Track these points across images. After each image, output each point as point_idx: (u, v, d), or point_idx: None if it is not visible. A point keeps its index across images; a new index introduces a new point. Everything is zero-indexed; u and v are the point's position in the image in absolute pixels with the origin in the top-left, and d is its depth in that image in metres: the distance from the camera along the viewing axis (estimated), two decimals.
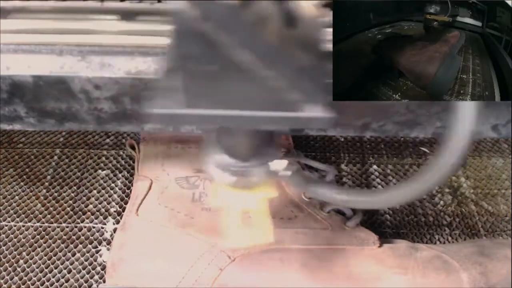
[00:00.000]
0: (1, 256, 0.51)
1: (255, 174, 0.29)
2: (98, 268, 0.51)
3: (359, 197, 0.26)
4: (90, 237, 0.53)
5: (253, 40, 0.19)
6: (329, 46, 0.27)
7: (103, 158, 0.62)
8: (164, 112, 0.21)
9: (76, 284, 0.49)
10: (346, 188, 0.27)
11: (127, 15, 0.29)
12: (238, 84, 0.20)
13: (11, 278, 0.50)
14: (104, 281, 0.49)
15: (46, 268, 0.51)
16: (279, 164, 0.30)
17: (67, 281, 0.50)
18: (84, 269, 0.51)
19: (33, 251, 0.52)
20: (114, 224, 0.55)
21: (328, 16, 0.28)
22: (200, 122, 0.22)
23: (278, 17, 0.20)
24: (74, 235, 0.53)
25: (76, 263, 0.51)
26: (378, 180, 0.61)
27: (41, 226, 0.54)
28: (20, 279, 0.50)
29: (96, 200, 0.57)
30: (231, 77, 0.20)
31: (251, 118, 0.22)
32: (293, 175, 0.30)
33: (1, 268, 0.50)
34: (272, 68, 0.20)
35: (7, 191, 0.58)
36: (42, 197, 0.57)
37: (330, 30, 0.28)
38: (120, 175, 0.60)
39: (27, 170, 0.60)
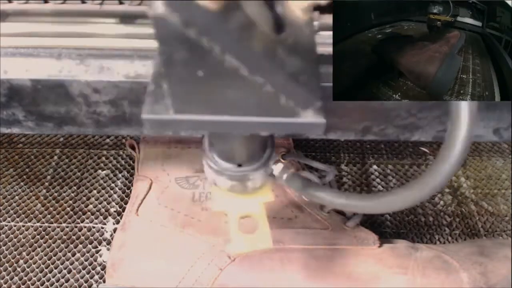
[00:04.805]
0: (1, 256, 0.51)
1: (251, 178, 0.29)
2: (98, 268, 0.51)
3: (358, 202, 0.26)
4: (90, 237, 0.53)
5: (239, 45, 0.18)
6: (323, 50, 0.27)
7: (103, 158, 0.62)
8: (154, 117, 0.21)
9: (76, 284, 0.49)
10: (344, 192, 0.26)
11: (126, 18, 0.29)
12: (227, 89, 0.20)
13: (11, 278, 0.50)
14: (104, 281, 0.49)
15: (46, 268, 0.51)
16: (276, 168, 0.30)
17: (67, 281, 0.50)
18: (84, 269, 0.51)
19: (33, 251, 0.52)
20: (114, 224, 0.55)
21: (319, 20, 0.28)
22: (190, 127, 0.22)
23: (265, 22, 0.19)
24: (74, 235, 0.54)
25: (76, 263, 0.51)
26: (378, 180, 0.60)
27: (41, 226, 0.54)
28: (20, 279, 0.50)
29: (96, 200, 0.57)
30: (219, 83, 0.20)
31: (241, 123, 0.21)
32: (290, 178, 0.30)
33: (1, 268, 0.50)
34: (260, 74, 0.19)
35: (7, 191, 0.58)
36: (42, 197, 0.57)
37: (323, 33, 0.28)
38: (120, 175, 0.60)
39: (27, 170, 0.60)
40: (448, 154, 0.20)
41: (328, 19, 0.28)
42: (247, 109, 0.21)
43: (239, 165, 0.28)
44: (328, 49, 0.27)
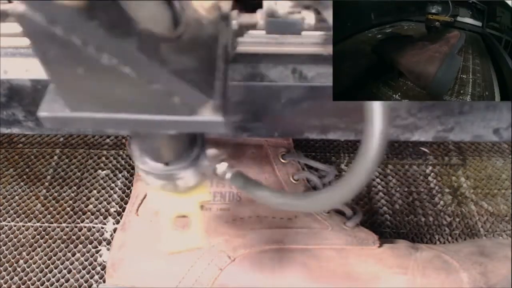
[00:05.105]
0: (1, 256, 0.51)
1: (180, 177, 0.28)
2: (98, 268, 0.51)
3: (293, 201, 0.26)
4: (90, 237, 0.53)
5: (112, 43, 0.18)
6: (322, 50, 0.26)
7: (103, 158, 0.62)
8: (51, 115, 0.21)
9: (76, 284, 0.49)
10: (282, 192, 0.26)
11: None
12: (114, 87, 0.20)
13: (11, 278, 0.50)
14: (104, 281, 0.49)
15: (46, 268, 0.51)
16: (219, 167, 0.29)
17: (67, 281, 0.50)
18: (84, 269, 0.51)
19: (33, 251, 0.52)
20: (114, 224, 0.55)
21: (238, 19, 0.27)
22: (87, 125, 0.21)
23: (159, 21, 0.19)
24: (74, 235, 0.54)
25: (76, 263, 0.51)
26: (378, 180, 0.60)
27: (41, 226, 0.54)
28: (20, 279, 0.50)
29: (96, 200, 0.57)
30: (103, 80, 0.19)
31: (135, 121, 0.21)
32: (233, 177, 0.29)
33: (1, 268, 0.50)
34: (143, 72, 0.19)
35: (7, 191, 0.58)
36: (42, 197, 0.57)
37: (231, 29, 0.27)
38: (120, 175, 0.60)
39: (27, 170, 0.60)
40: (365, 153, 0.21)
41: (248, 18, 0.28)
42: (139, 107, 0.21)
43: (166, 164, 0.28)
44: (328, 49, 0.27)
